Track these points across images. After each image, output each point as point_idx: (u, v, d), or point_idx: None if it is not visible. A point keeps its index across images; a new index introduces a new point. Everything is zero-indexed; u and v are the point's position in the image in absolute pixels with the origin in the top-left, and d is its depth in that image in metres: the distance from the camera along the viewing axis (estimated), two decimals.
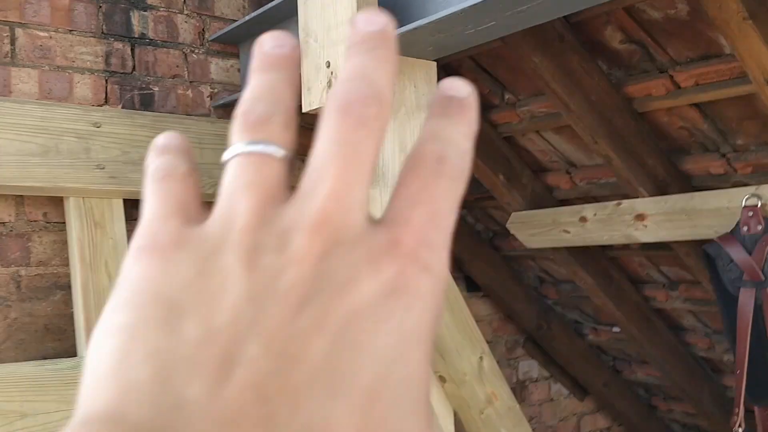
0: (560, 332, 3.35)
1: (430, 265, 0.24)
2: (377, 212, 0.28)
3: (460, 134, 0.26)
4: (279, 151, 0.26)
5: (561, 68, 2.05)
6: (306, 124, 1.91)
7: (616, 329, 3.16)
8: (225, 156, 0.26)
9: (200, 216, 0.26)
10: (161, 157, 0.29)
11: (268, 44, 0.28)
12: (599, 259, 2.81)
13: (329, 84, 1.74)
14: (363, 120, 0.24)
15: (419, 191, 0.25)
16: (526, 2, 1.48)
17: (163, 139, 0.29)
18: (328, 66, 1.73)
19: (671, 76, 2.03)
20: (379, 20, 0.27)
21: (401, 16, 1.75)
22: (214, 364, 0.21)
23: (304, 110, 1.83)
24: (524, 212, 2.63)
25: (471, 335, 1.89)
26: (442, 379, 1.87)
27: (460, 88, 0.27)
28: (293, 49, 0.28)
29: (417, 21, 1.62)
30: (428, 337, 0.24)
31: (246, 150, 0.26)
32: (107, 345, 0.23)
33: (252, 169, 0.25)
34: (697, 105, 2.08)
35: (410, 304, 0.23)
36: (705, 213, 2.10)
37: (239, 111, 0.27)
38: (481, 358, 1.89)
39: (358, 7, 1.65)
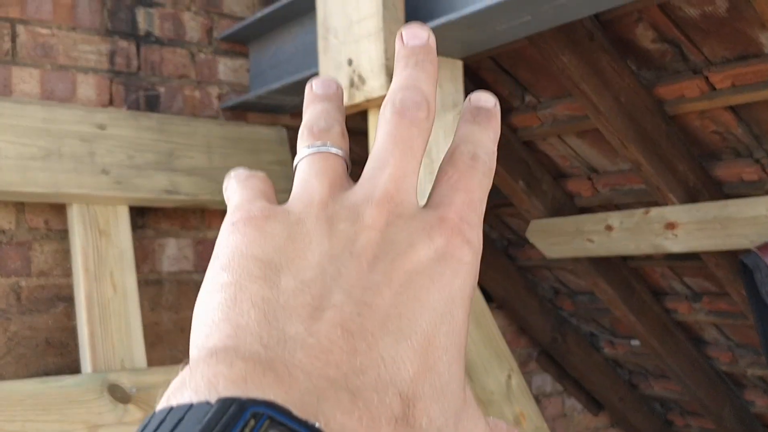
0: (575, 345, 3.24)
1: (471, 238, 0.29)
2: None
3: (489, 138, 0.32)
4: (339, 151, 0.32)
5: (590, 68, 1.95)
6: None
7: (635, 342, 3.06)
8: (296, 160, 0.32)
9: (278, 203, 0.31)
10: (240, 171, 0.34)
11: (317, 86, 0.34)
12: (620, 269, 2.71)
13: (351, 83, 1.64)
14: (415, 121, 0.30)
15: (458, 181, 0.30)
16: None
17: (236, 169, 0.35)
18: (350, 64, 1.63)
19: (706, 77, 1.93)
20: (423, 34, 0.33)
21: (427, 12, 1.66)
22: (308, 307, 0.26)
23: None
24: (545, 220, 2.52)
25: (499, 351, 1.78)
26: None
27: (488, 99, 0.33)
28: (338, 88, 0.35)
29: (446, 16, 1.53)
30: (469, 299, 0.29)
31: (312, 150, 0.31)
32: (217, 298, 0.27)
33: (319, 162, 0.31)
34: (731, 108, 1.98)
35: (457, 269, 0.28)
36: (740, 221, 2.00)
37: (304, 127, 0.33)
38: (509, 376, 1.79)
39: (384, 2, 1.55)
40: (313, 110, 0.33)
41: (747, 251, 1.96)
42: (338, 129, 0.32)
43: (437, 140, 1.73)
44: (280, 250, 0.27)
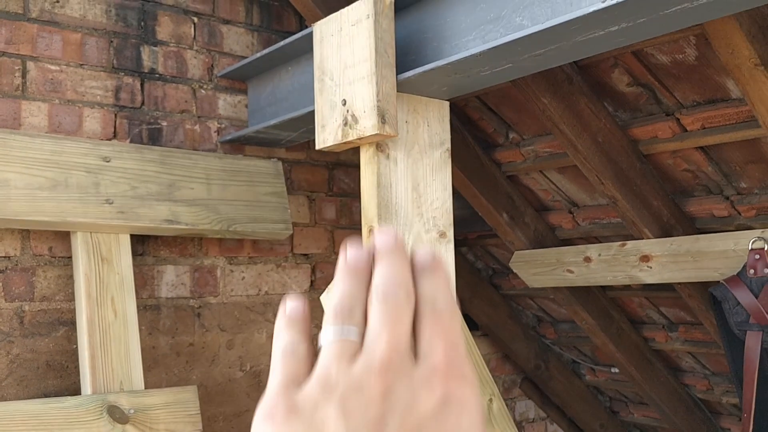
0: (558, 372, 3.33)
1: (465, 374, 0.36)
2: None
3: (442, 287, 0.39)
4: (357, 333, 0.38)
5: (569, 110, 2.07)
6: (312, 161, 1.91)
7: (614, 370, 3.15)
8: (321, 341, 0.38)
9: (307, 378, 0.37)
10: (288, 331, 0.40)
11: (351, 255, 0.40)
12: (600, 299, 2.81)
13: (345, 122, 1.75)
14: (398, 301, 0.37)
15: (433, 332, 0.37)
16: (542, 46, 1.51)
17: (290, 307, 0.41)
18: (344, 104, 1.74)
19: (678, 119, 2.05)
20: (390, 237, 0.40)
21: (416, 57, 1.77)
22: None
23: (318, 147, 1.84)
24: (527, 251, 2.63)
25: (481, 376, 1.87)
26: None
27: (426, 254, 0.40)
28: (368, 260, 0.40)
29: (435, 62, 1.64)
30: (482, 426, 0.34)
31: (335, 338, 0.38)
32: None
33: (339, 348, 0.37)
34: (702, 148, 2.10)
35: (461, 408, 0.34)
36: (711, 255, 2.11)
37: (333, 305, 0.39)
38: (490, 400, 1.88)
39: (377, 48, 1.66)
40: (343, 287, 0.39)
41: (716, 284, 2.07)
42: (360, 311, 0.38)
43: (425, 176, 1.84)
44: None
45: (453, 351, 0.36)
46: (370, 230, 1.79)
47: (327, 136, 1.81)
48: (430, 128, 1.86)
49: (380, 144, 1.77)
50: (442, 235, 1.87)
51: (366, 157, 1.81)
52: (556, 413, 3.48)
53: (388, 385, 0.34)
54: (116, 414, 1.83)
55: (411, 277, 0.39)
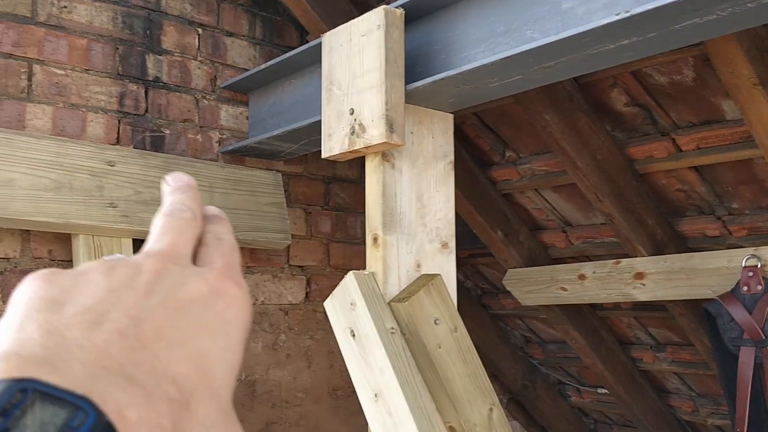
0: (544, 393, 3.35)
1: (239, 282, 0.37)
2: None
3: (227, 228, 0.42)
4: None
5: (570, 127, 2.12)
6: (309, 175, 1.92)
7: (601, 390, 3.17)
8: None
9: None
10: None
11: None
12: (590, 318, 2.84)
13: (352, 131, 1.77)
14: (182, 219, 0.39)
15: (213, 253, 0.39)
16: (553, 58, 1.54)
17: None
18: (352, 113, 1.76)
19: (673, 139, 2.11)
20: (184, 178, 0.43)
21: (424, 69, 1.80)
22: (87, 323, 0.31)
23: (324, 156, 1.85)
24: (521, 269, 2.66)
25: (482, 386, 1.88)
26: (452, 430, 1.85)
27: (218, 210, 0.43)
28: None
29: (444, 72, 1.67)
30: (246, 325, 0.36)
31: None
32: (3, 329, 0.32)
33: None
34: (695, 168, 2.16)
35: (230, 302, 0.36)
36: (704, 272, 2.15)
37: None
38: (491, 409, 1.88)
39: (387, 58, 1.69)
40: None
41: (710, 300, 2.11)
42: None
43: (429, 187, 1.86)
44: (64, 291, 0.33)
45: (232, 264, 0.38)
46: (375, 239, 1.80)
47: (333, 144, 1.82)
48: (435, 140, 1.89)
49: (386, 154, 1.79)
50: (444, 245, 1.89)
51: (371, 167, 1.83)
52: None
53: (163, 266, 0.35)
54: None
55: (199, 208, 0.41)
